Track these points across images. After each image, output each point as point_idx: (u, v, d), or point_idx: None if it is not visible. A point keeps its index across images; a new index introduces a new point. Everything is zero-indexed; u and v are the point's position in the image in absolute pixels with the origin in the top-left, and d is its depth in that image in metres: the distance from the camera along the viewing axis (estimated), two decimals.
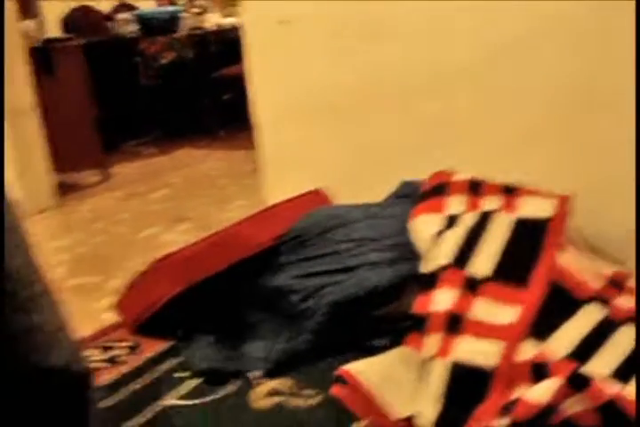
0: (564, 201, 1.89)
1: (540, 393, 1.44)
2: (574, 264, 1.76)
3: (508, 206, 1.90)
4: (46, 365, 0.96)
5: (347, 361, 1.79)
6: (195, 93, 5.29)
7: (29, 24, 4.15)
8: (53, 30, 5.08)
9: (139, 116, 5.16)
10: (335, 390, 1.72)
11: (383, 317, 2.05)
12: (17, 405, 0.97)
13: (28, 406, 0.98)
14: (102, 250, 3.15)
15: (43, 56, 3.99)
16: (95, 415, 1.08)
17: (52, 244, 3.21)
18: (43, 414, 0.99)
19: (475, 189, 2.00)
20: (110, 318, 2.31)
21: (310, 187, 2.41)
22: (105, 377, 1.94)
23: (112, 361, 2.06)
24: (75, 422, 1.05)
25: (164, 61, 5.23)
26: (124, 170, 4.60)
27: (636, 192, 1.96)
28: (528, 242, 1.79)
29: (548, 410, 1.44)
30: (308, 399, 1.77)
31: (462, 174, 2.07)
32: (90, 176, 4.39)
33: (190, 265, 2.10)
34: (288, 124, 2.65)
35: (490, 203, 1.93)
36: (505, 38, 2.18)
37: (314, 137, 2.62)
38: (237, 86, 4.18)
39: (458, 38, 2.25)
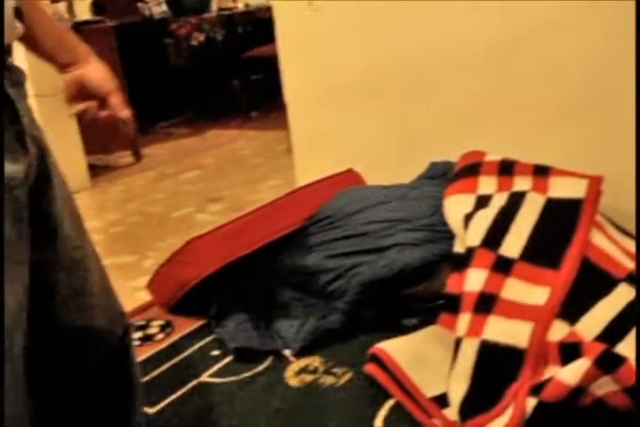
0: (596, 181, 1.88)
1: (570, 374, 1.44)
2: (607, 244, 1.76)
3: (540, 187, 1.89)
4: (86, 324, 1.00)
5: (377, 340, 1.81)
6: (225, 74, 5.30)
7: (60, 7, 4.18)
8: (84, 13, 5.10)
9: (170, 98, 5.18)
10: (369, 368, 1.74)
11: (413, 296, 2.06)
12: (65, 364, 1.00)
13: (75, 365, 1.01)
14: (136, 230, 3.19)
15: None
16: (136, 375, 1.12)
17: (86, 224, 3.25)
18: (88, 373, 1.03)
19: (506, 169, 1.99)
20: (144, 297, 2.35)
21: (341, 167, 2.42)
22: (139, 356, 1.97)
23: (146, 339, 2.09)
24: (120, 378, 1.08)
25: (194, 42, 5.23)
26: (156, 151, 4.63)
27: (636, 189, 1.95)
28: (560, 222, 1.78)
29: (578, 391, 1.44)
30: (339, 378, 1.79)
31: (494, 155, 2.06)
32: (122, 157, 4.43)
33: (222, 245, 2.12)
34: (320, 104, 2.65)
35: (521, 183, 1.93)
36: (534, 19, 2.16)
37: (345, 117, 2.61)
38: (267, 66, 4.19)
39: (486, 19, 2.23)
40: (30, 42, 1.14)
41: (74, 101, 1.23)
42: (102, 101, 1.23)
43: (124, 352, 1.10)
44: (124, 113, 1.25)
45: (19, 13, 0.96)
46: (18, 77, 0.98)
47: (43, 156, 0.97)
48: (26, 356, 0.86)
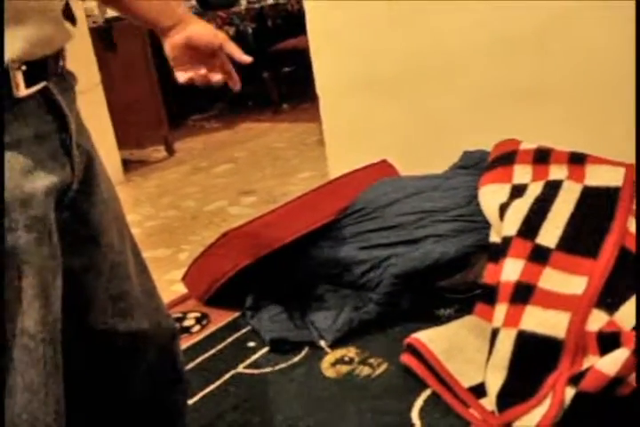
0: (632, 169, 1.85)
1: (609, 364, 1.42)
2: None
3: (576, 175, 1.87)
4: (130, 329, 1.00)
5: (412, 331, 1.80)
6: (256, 67, 5.30)
7: (91, 4, 4.21)
8: None
9: (201, 91, 5.19)
10: (405, 358, 1.74)
11: (449, 287, 2.05)
12: (111, 369, 1.01)
13: (121, 370, 1.02)
14: (170, 224, 3.21)
15: (105, 35, 4.05)
16: (186, 383, 1.12)
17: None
18: (133, 376, 1.03)
19: (542, 158, 1.97)
20: (180, 289, 2.37)
21: (374, 158, 2.41)
22: None
23: (182, 332, 2.11)
24: (167, 379, 1.09)
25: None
26: (189, 145, 4.66)
27: (636, 186, 1.92)
28: (597, 211, 1.76)
29: (618, 381, 1.43)
30: (374, 368, 1.79)
31: (528, 143, 2.04)
32: (155, 152, 4.46)
33: (257, 238, 2.13)
34: (351, 95, 2.65)
35: (557, 172, 1.91)
36: (556, 9, 2.13)
37: (377, 108, 2.61)
38: (297, 59, 4.18)
39: (515, 7, 2.21)
40: (131, 10, 1.15)
41: (181, 67, 1.22)
42: (211, 59, 1.22)
43: (172, 355, 1.10)
44: (244, 57, 1.26)
45: (69, 15, 0.95)
46: (69, 82, 0.97)
47: (90, 162, 0.96)
48: (64, 362, 0.86)
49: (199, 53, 1.20)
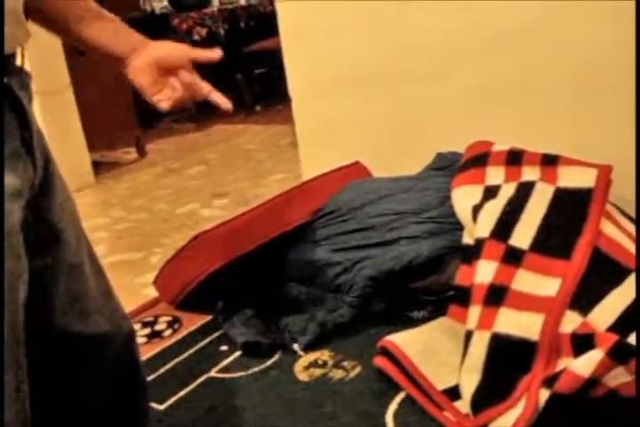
0: (605, 171, 1.86)
1: (583, 365, 1.42)
2: (617, 234, 1.74)
3: (549, 177, 1.87)
4: (89, 331, 0.98)
5: (386, 333, 1.79)
6: (228, 68, 5.28)
7: None
8: None
9: None
10: (379, 361, 1.73)
11: (422, 289, 2.05)
12: (72, 371, 0.99)
13: (82, 372, 1.00)
14: (141, 227, 3.18)
15: None
16: (144, 385, 1.11)
17: (90, 221, 3.24)
18: (96, 379, 1.02)
19: (514, 159, 1.97)
20: (151, 293, 2.34)
21: (347, 160, 2.40)
22: (147, 352, 1.97)
23: (154, 336, 2.08)
24: (126, 381, 1.07)
25: (196, 37, 5.22)
26: (160, 147, 4.63)
27: (636, 185, 1.94)
28: (570, 212, 1.77)
29: (592, 382, 1.43)
30: (348, 371, 1.78)
31: (501, 145, 2.04)
32: (126, 154, 4.43)
33: (229, 241, 2.11)
34: (324, 97, 2.63)
35: (530, 173, 1.91)
36: (540, 8, 2.13)
37: (350, 110, 2.60)
38: (270, 60, 4.17)
39: (492, 8, 2.21)
40: (80, 38, 1.08)
41: (155, 90, 1.11)
42: (176, 75, 1.14)
43: (130, 357, 1.08)
44: (215, 54, 1.20)
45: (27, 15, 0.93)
46: (27, 81, 0.95)
47: (47, 161, 0.95)
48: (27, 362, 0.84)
49: (167, 72, 1.13)
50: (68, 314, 0.96)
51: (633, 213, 1.92)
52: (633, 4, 1.98)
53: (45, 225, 0.93)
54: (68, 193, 1.02)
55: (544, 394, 1.45)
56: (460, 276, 1.76)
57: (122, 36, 1.10)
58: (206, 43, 5.26)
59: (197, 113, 5.31)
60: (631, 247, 1.72)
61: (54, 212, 0.94)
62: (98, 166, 4.10)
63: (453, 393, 1.60)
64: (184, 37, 5.27)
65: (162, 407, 1.72)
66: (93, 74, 4.09)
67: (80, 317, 0.97)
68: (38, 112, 3.69)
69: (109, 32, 1.09)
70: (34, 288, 0.88)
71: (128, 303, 2.23)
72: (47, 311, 0.94)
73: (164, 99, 1.12)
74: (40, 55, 3.53)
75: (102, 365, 1.03)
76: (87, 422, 1.04)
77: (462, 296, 1.72)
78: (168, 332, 2.10)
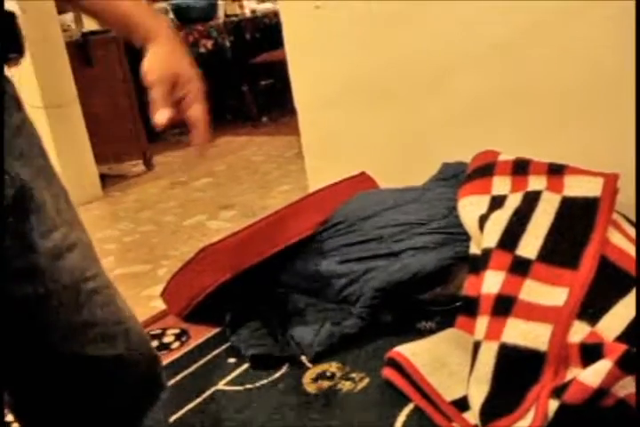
0: (612, 179, 1.86)
1: (592, 375, 1.42)
2: (624, 243, 1.73)
3: (555, 186, 1.87)
4: (108, 355, 0.97)
5: (394, 345, 1.79)
6: (234, 80, 5.30)
7: (67, 18, 4.19)
8: (91, 23, 5.12)
9: None
10: (387, 373, 1.72)
11: (430, 300, 2.04)
12: (80, 394, 0.98)
13: (90, 393, 0.99)
14: (149, 239, 3.18)
15: (81, 49, 4.04)
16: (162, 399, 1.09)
17: (99, 234, 3.25)
18: (108, 400, 1.01)
19: (520, 169, 1.97)
20: (159, 306, 2.34)
21: (353, 171, 2.41)
22: None
23: (161, 348, 2.08)
24: (140, 406, 1.06)
25: (202, 50, 5.24)
26: (167, 159, 4.64)
27: (636, 188, 1.93)
28: (577, 222, 1.76)
29: (601, 392, 1.42)
30: (356, 383, 1.78)
31: (507, 155, 2.04)
32: (133, 166, 4.44)
33: (235, 253, 2.11)
34: (330, 108, 2.64)
35: (536, 183, 1.91)
36: (543, 15, 2.14)
37: (356, 120, 2.60)
38: (276, 72, 4.18)
39: (495, 16, 2.21)
40: (96, 9, 0.97)
41: (162, 104, 0.98)
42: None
43: (153, 382, 1.06)
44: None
45: None
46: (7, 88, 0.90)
47: (24, 188, 0.87)
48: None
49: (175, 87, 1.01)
50: (81, 339, 0.94)
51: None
52: (632, 10, 1.98)
53: (33, 253, 0.87)
54: (69, 217, 0.97)
55: (553, 404, 1.44)
56: (468, 286, 1.76)
57: (143, 9, 0.98)
58: (212, 55, 5.29)
59: None
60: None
61: (47, 240, 0.89)
62: (105, 179, 4.11)
63: (462, 404, 1.59)
64: (190, 50, 5.29)
65: (170, 420, 1.72)
66: (100, 86, 4.12)
67: (97, 341, 0.96)
68: (46, 125, 3.72)
69: (129, 3, 0.97)
70: (31, 315, 0.87)
71: (136, 316, 2.26)
72: (54, 337, 0.93)
73: (165, 118, 1.00)
74: (46, 68, 3.56)
75: (121, 389, 1.01)
76: None
77: (470, 307, 1.72)
78: (176, 344, 2.10)
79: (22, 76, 3.36)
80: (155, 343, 2.12)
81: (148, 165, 4.41)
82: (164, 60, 0.99)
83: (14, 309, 0.85)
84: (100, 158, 3.99)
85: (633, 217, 1.92)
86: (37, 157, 0.93)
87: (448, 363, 1.71)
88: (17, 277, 0.85)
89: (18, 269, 0.85)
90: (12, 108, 0.90)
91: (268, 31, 5.39)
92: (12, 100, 0.91)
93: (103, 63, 4.12)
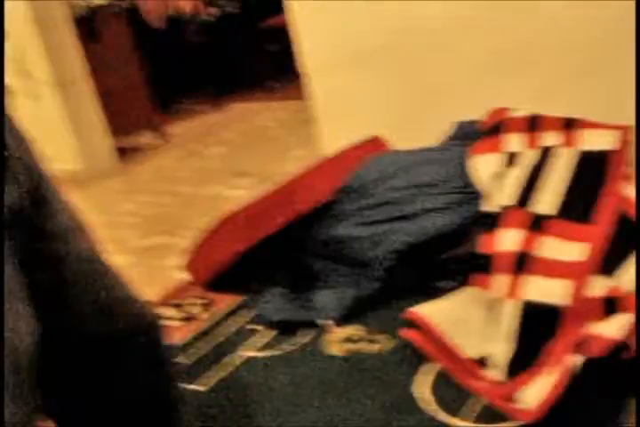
0: (625, 131, 1.85)
1: (613, 329, 1.43)
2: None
3: (570, 141, 1.86)
4: (108, 330, 0.99)
5: (414, 305, 1.80)
6: (243, 47, 5.27)
7: None
8: None
9: (190, 75, 5.17)
10: (405, 333, 1.74)
11: (450, 259, 2.05)
12: (88, 370, 1.01)
13: (100, 370, 1.01)
14: (168, 210, 3.21)
15: (88, 24, 4.03)
16: (173, 372, 1.11)
17: (118, 208, 3.28)
18: (117, 376, 1.03)
19: (534, 125, 1.96)
20: (182, 276, 2.37)
21: (365, 133, 2.40)
22: (181, 335, 2.00)
23: (187, 319, 2.11)
24: (154, 372, 1.08)
25: (208, 17, 5.20)
26: (180, 129, 4.64)
27: (636, 182, 1.91)
28: (592, 176, 1.76)
29: (622, 345, 1.44)
30: (381, 345, 1.80)
31: (520, 111, 2.03)
32: (147, 138, 4.45)
33: (254, 221, 2.13)
34: (336, 71, 2.63)
35: (550, 138, 1.90)
36: None
37: (364, 83, 2.59)
38: (284, 36, 4.14)
39: None
40: None
41: None
42: None
43: (155, 348, 1.08)
44: None
45: None
46: None
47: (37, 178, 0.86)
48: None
49: None
50: (88, 318, 0.96)
51: None
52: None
53: (44, 239, 0.87)
54: (65, 198, 0.98)
55: (577, 359, 1.46)
56: (483, 244, 1.77)
57: None
58: (219, 22, 5.25)
59: (214, 94, 5.31)
60: None
61: (53, 224, 0.88)
62: (121, 152, 4.13)
63: (483, 361, 1.61)
64: (197, 18, 5.26)
65: (203, 389, 1.75)
66: (109, 61, 4.11)
67: (101, 318, 0.98)
68: (59, 103, 3.73)
69: None
70: (46, 301, 0.88)
71: (160, 287, 2.29)
72: (66, 318, 0.95)
73: None
74: (54, 46, 3.55)
75: (127, 361, 1.03)
76: (118, 418, 1.06)
77: (484, 264, 1.73)
78: (202, 314, 2.13)
79: (33, 53, 3.37)
80: (181, 314, 2.15)
81: (163, 136, 4.42)
82: None
83: (36, 294, 0.87)
84: (114, 132, 4.01)
85: None
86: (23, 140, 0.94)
87: (467, 321, 1.72)
88: (34, 265, 0.86)
89: (34, 257, 0.87)
90: None
91: None
92: None
93: (111, 37, 4.11)
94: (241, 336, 1.97)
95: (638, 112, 1.90)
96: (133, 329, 1.03)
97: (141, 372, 1.04)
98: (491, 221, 1.80)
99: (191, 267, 2.29)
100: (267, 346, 1.90)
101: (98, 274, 0.98)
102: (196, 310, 2.16)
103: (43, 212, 0.88)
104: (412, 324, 1.74)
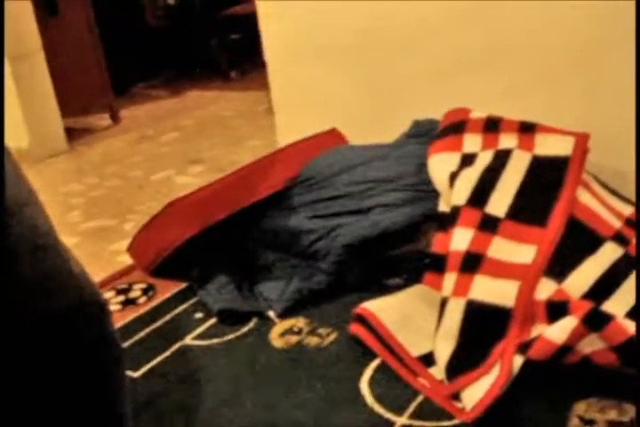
0: (582, 139, 1.85)
1: (557, 332, 1.43)
2: (593, 202, 1.74)
3: (526, 144, 1.86)
4: (56, 308, 0.96)
5: (361, 301, 1.79)
6: (203, 33, 5.20)
7: None
8: None
9: (147, 58, 5.08)
10: (354, 328, 1.73)
11: (398, 256, 2.04)
12: (32, 349, 0.97)
13: (43, 350, 0.98)
14: (115, 193, 3.14)
15: None
16: (117, 357, 1.08)
17: (64, 188, 3.20)
18: (60, 357, 0.99)
19: (492, 126, 1.96)
20: (125, 260, 2.32)
21: (324, 127, 2.38)
22: (121, 319, 1.96)
23: (128, 303, 2.07)
24: (95, 362, 1.05)
25: (170, 1, 5.13)
26: (135, 113, 4.56)
27: (636, 181, 1.93)
28: (546, 180, 1.76)
29: (566, 349, 1.44)
30: (323, 338, 1.78)
31: (479, 112, 2.03)
32: (99, 120, 4.36)
33: (203, 207, 2.09)
34: (300, 63, 2.60)
35: (507, 141, 1.90)
36: None
37: (326, 76, 2.57)
38: (246, 25, 4.10)
39: None
40: None
41: None
42: None
43: (103, 329, 1.05)
44: None
45: None
46: None
47: None
48: None
49: None
50: (32, 293, 0.93)
51: (613, 183, 1.93)
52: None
53: None
54: (19, 171, 0.96)
55: (518, 360, 1.46)
56: (436, 243, 1.76)
57: None
58: (180, 8, 5.18)
59: (173, 79, 5.24)
60: (607, 216, 1.72)
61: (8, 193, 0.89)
62: (71, 132, 4.03)
63: (428, 360, 1.60)
64: (158, 1, 5.18)
65: (136, 375, 1.71)
66: (65, 37, 4.01)
67: (44, 296, 0.95)
68: (10, 77, 3.62)
69: None
70: None
71: (102, 270, 2.24)
72: (9, 292, 0.91)
73: None
74: (9, 18, 3.45)
75: (72, 341, 1.00)
76: (61, 399, 1.02)
77: (438, 264, 1.72)
78: (143, 299, 2.09)
79: None
80: (121, 298, 2.10)
81: (115, 119, 4.33)
82: None
83: None
84: (65, 111, 3.91)
85: (603, 177, 1.93)
86: None
87: (415, 319, 1.72)
88: None
89: None
90: None
91: None
92: None
93: (69, 12, 4.00)
94: (180, 323, 1.94)
95: (638, 113, 1.91)
96: (80, 307, 1.00)
97: (89, 351, 1.01)
98: (445, 221, 1.79)
99: (134, 251, 2.24)
100: (206, 334, 1.87)
101: (51, 249, 0.95)
102: (136, 295, 2.11)
103: None
104: (360, 319, 1.72)
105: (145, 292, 2.13)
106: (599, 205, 1.75)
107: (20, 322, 0.94)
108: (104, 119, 4.34)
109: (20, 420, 0.98)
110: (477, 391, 1.46)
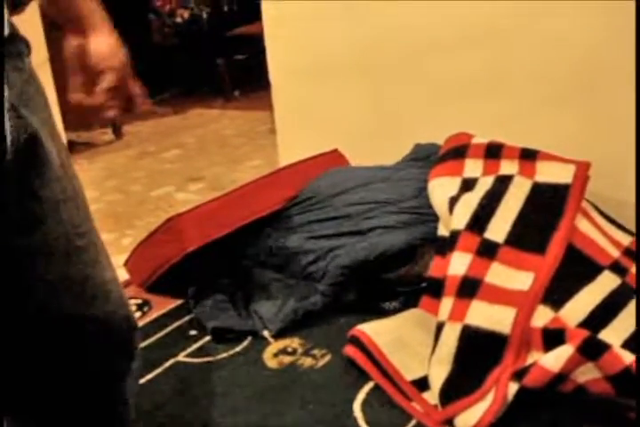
0: (583, 167, 1.86)
1: (553, 360, 1.43)
2: (592, 231, 1.74)
3: (527, 171, 1.87)
4: (88, 315, 0.94)
5: (357, 323, 1.79)
6: (209, 53, 5.23)
7: None
8: None
9: (153, 75, 5.09)
10: (348, 350, 1.72)
11: (395, 279, 2.04)
12: (58, 352, 0.96)
13: (68, 353, 0.97)
14: (115, 208, 3.14)
15: None
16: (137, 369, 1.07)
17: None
18: (84, 362, 0.98)
19: (493, 152, 1.97)
20: (121, 275, 2.31)
21: (325, 148, 2.39)
22: None
23: None
24: (115, 372, 1.04)
25: (178, 19, 5.16)
26: (138, 129, 4.57)
27: (636, 190, 1.94)
28: (546, 207, 1.76)
29: (561, 377, 1.43)
30: (317, 359, 1.77)
31: (481, 138, 2.04)
32: (102, 134, 4.37)
33: (202, 225, 2.08)
34: (303, 84, 2.61)
35: (508, 167, 1.90)
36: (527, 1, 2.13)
37: (330, 98, 2.58)
38: (252, 46, 4.13)
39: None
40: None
41: (75, 77, 1.06)
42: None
43: (128, 345, 1.04)
44: (99, 98, 1.06)
45: None
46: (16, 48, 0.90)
47: (34, 137, 0.86)
48: None
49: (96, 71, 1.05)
50: (66, 297, 0.92)
51: (612, 212, 1.93)
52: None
53: (36, 203, 0.86)
54: (70, 170, 0.95)
55: (513, 387, 1.45)
56: (434, 267, 1.76)
57: (71, 12, 1.05)
58: (188, 25, 5.21)
59: (177, 97, 5.26)
60: (605, 245, 1.72)
61: (48, 190, 0.88)
62: (73, 146, 4.04)
63: (422, 384, 1.59)
64: (166, 19, 5.21)
65: None
66: None
67: (84, 301, 0.93)
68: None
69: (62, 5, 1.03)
70: (18, 268, 0.84)
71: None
72: (37, 293, 0.90)
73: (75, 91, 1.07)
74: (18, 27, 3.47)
75: (97, 352, 0.99)
76: (75, 400, 1.01)
77: (435, 288, 1.72)
78: (137, 314, 2.08)
79: None
80: None
81: (118, 134, 4.34)
82: (113, 49, 1.08)
83: (6, 260, 0.83)
84: (68, 125, 3.92)
85: (602, 205, 1.93)
86: (43, 110, 0.92)
87: (410, 343, 1.71)
88: (14, 225, 0.82)
89: (16, 217, 0.83)
90: (24, 55, 0.93)
91: (246, 3, 5.32)
92: (23, 45, 0.93)
93: None
94: (174, 340, 1.93)
95: (638, 142, 1.91)
96: (116, 321, 0.98)
97: (110, 366, 1.00)
98: (444, 245, 1.79)
99: (131, 266, 2.24)
100: (199, 352, 1.86)
101: (93, 254, 0.94)
102: (132, 310, 2.10)
103: (38, 175, 0.85)
104: (355, 341, 1.71)
105: (140, 307, 2.12)
106: (598, 234, 1.75)
107: (40, 323, 0.92)
108: (106, 134, 4.36)
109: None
110: (471, 418, 1.45)
